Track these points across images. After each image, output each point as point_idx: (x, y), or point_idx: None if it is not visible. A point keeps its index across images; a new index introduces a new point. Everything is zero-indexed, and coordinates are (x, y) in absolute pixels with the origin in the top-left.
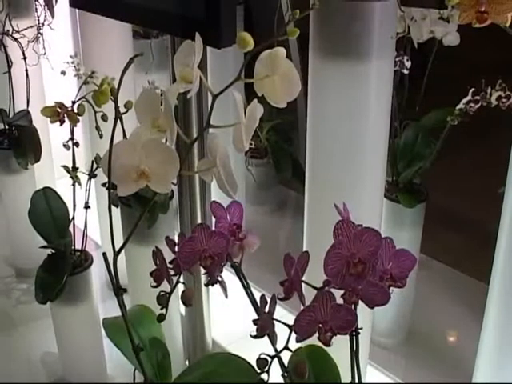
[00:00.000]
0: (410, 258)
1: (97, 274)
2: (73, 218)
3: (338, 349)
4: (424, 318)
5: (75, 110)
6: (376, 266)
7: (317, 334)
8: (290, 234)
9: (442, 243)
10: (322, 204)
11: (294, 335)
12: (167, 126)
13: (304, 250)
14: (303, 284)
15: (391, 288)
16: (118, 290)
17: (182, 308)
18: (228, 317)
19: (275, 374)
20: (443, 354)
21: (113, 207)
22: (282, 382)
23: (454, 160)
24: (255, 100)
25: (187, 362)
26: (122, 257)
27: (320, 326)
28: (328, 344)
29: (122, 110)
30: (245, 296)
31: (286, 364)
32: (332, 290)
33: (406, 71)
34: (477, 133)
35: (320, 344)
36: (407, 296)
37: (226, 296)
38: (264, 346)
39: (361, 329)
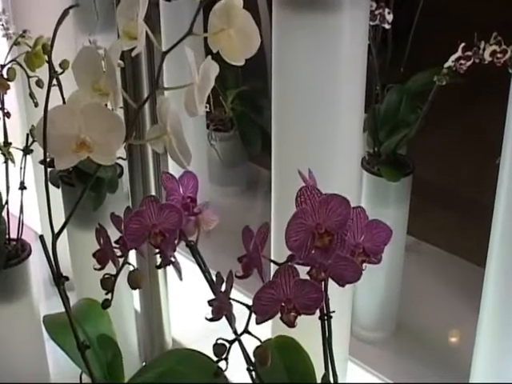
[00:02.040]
0: (385, 229)
1: (38, 267)
2: (6, 201)
3: (313, 340)
4: (414, 307)
5: (4, 75)
6: (345, 239)
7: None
8: (261, 217)
9: (431, 222)
10: (290, 177)
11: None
12: (110, 88)
13: (272, 228)
14: (265, 261)
15: (364, 264)
16: (59, 279)
17: (137, 302)
18: (190, 312)
19: (238, 366)
20: (436, 349)
21: (53, 188)
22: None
23: (444, 128)
24: (209, 57)
25: (144, 364)
26: (65, 245)
27: (282, 304)
28: (292, 325)
29: (59, 73)
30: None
31: (249, 354)
32: (299, 267)
33: (387, 26)
34: (469, 96)
35: (290, 332)
36: (394, 283)
37: (181, 278)
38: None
39: (333, 312)
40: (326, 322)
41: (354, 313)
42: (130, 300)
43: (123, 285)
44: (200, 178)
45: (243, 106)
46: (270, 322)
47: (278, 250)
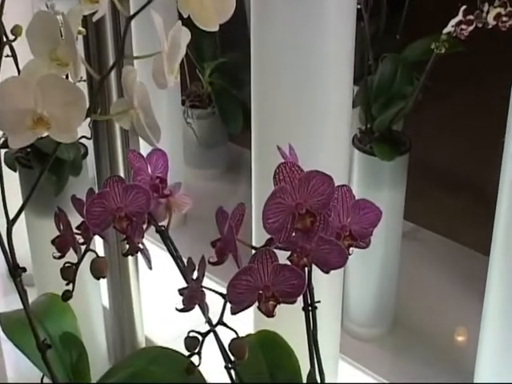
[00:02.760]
0: (374, 210)
1: None
2: None
3: (299, 335)
4: (413, 301)
5: None
6: (329, 220)
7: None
8: (241, 200)
9: (431, 207)
10: (271, 157)
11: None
12: (69, 57)
13: (253, 212)
14: (242, 246)
15: (351, 249)
16: (15, 270)
17: (105, 298)
18: (165, 308)
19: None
20: (437, 347)
21: (9, 171)
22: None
23: (444, 101)
24: (178, 22)
25: (113, 365)
26: (24, 236)
27: (260, 292)
28: (271, 314)
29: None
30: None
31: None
32: (280, 253)
33: None
34: (471, 66)
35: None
36: (390, 274)
37: (150, 267)
38: (209, 345)
39: (318, 302)
40: (310, 313)
41: (347, 307)
42: (97, 294)
43: (89, 277)
44: (175, 160)
45: (222, 79)
46: (251, 315)
47: (259, 235)
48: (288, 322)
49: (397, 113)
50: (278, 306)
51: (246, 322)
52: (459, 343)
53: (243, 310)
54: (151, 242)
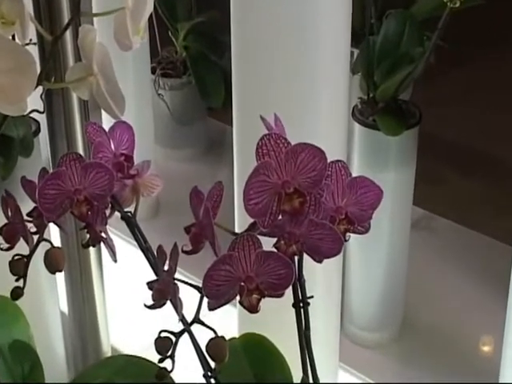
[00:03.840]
0: (374, 189)
1: None
2: None
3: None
4: (424, 301)
5: None
6: (322, 201)
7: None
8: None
9: (445, 191)
10: (255, 132)
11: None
12: (16, 15)
13: (236, 195)
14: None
15: (347, 235)
16: None
17: (64, 301)
18: (135, 312)
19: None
20: (453, 354)
21: None
22: None
23: (460, 66)
24: None
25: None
26: None
27: (242, 284)
28: (255, 309)
29: None
30: None
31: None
32: (265, 240)
33: None
34: (493, 22)
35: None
36: (398, 270)
37: (115, 260)
38: (186, 352)
39: (310, 297)
40: (301, 310)
41: (347, 308)
42: (53, 295)
43: (44, 274)
44: (144, 139)
45: (199, 43)
46: (236, 316)
47: (242, 221)
48: (278, 322)
49: (404, 79)
50: (268, 304)
51: (230, 325)
52: (480, 351)
53: (223, 304)
54: (119, 237)
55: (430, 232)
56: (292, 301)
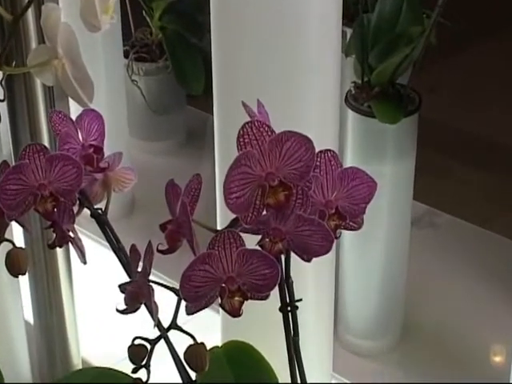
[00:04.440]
0: (366, 181)
1: None
2: None
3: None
4: (427, 305)
5: None
6: (309, 194)
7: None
8: (207, 182)
9: (450, 184)
10: (237, 120)
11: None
12: None
13: (217, 189)
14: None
15: (338, 231)
16: None
17: (28, 309)
18: (108, 321)
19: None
20: (459, 365)
21: None
22: None
23: (464, 46)
24: None
25: None
26: None
27: (223, 285)
28: (237, 313)
29: None
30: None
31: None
32: (248, 237)
33: None
34: None
35: (247, 337)
36: (398, 271)
37: (84, 262)
38: (163, 361)
39: (299, 301)
40: (289, 314)
41: (341, 313)
42: (16, 304)
43: (6, 278)
44: (116, 130)
45: (177, 23)
46: (219, 323)
47: (224, 218)
48: (264, 329)
49: (402, 61)
50: (253, 308)
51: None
52: (490, 361)
53: (202, 308)
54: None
55: (433, 229)
56: (279, 304)
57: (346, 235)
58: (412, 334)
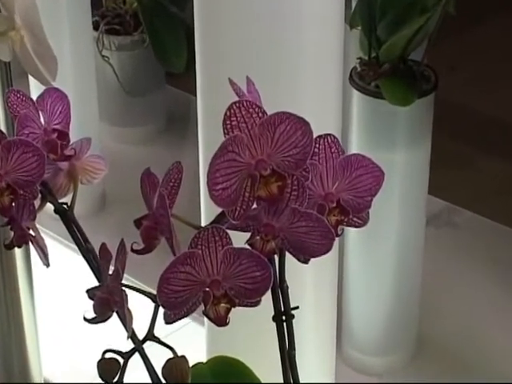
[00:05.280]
0: (372, 170)
1: None
2: None
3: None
4: (445, 316)
5: None
6: (306, 185)
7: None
8: (189, 173)
9: (470, 177)
10: (223, 100)
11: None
12: None
13: (201, 179)
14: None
15: (340, 228)
16: None
17: None
18: (74, 336)
19: None
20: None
21: None
22: None
23: (487, 18)
24: None
25: None
26: None
27: (207, 290)
28: (223, 322)
29: None
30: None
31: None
32: (237, 234)
33: None
34: None
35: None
36: (411, 276)
37: (47, 264)
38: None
39: (295, 309)
40: (283, 324)
41: (347, 325)
42: None
43: None
44: (85, 113)
45: None
46: (204, 334)
47: (209, 212)
48: (255, 341)
49: (415, 34)
50: (242, 317)
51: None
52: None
53: (182, 316)
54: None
55: (452, 228)
56: (272, 312)
57: (351, 233)
58: (428, 350)
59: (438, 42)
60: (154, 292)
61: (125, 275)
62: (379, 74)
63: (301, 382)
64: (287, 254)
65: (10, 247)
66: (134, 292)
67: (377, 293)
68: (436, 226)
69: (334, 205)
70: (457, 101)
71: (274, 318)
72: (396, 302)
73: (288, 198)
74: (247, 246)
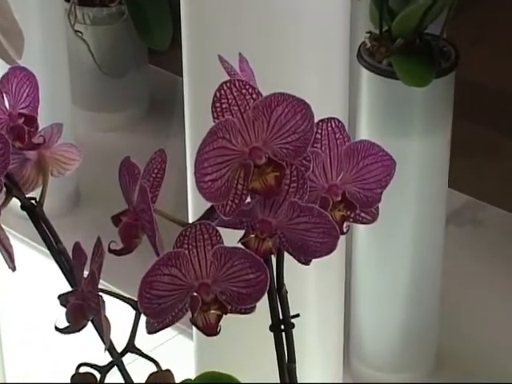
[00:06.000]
0: (382, 158)
1: None
2: None
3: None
4: (468, 325)
5: None
6: (307, 176)
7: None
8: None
9: (498, 168)
10: (213, 81)
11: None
12: None
13: (188, 170)
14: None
15: (346, 224)
16: None
17: None
18: (42, 347)
19: None
20: None
21: None
22: None
23: None
24: None
25: None
26: None
27: (194, 295)
28: (213, 331)
29: None
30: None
31: None
32: (228, 232)
33: None
34: None
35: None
36: (430, 280)
37: (13, 268)
38: None
39: (295, 317)
40: (282, 334)
41: (356, 337)
42: None
43: None
44: (56, 96)
45: None
46: (192, 348)
47: (198, 207)
48: (251, 354)
49: (432, 4)
50: (235, 325)
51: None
52: None
53: (167, 325)
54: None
55: (475, 226)
56: (269, 321)
57: (359, 231)
58: (449, 365)
59: (459, 14)
60: (135, 298)
61: (101, 279)
62: (392, 51)
63: None
64: (286, 254)
65: None
66: (112, 298)
67: (390, 299)
68: (457, 223)
69: (339, 198)
70: (481, 80)
71: (272, 328)
72: (412, 310)
73: (286, 190)
74: (240, 246)
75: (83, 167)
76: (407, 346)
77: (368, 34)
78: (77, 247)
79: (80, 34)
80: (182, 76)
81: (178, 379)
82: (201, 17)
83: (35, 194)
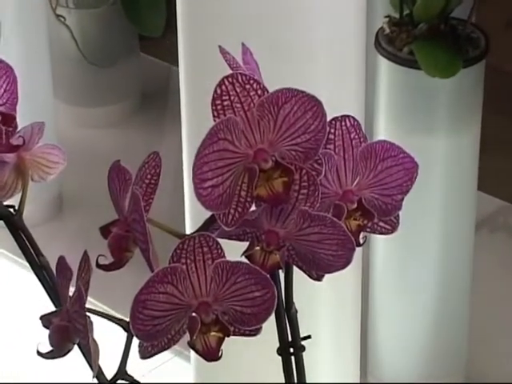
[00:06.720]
0: (404, 161)
1: None
2: None
3: None
4: (500, 343)
5: None
6: (318, 180)
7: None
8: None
9: None
10: (212, 73)
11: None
12: None
13: (185, 173)
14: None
15: (362, 235)
16: None
17: None
18: (24, 375)
19: None
20: None
21: None
22: None
23: None
24: None
25: None
26: None
27: (193, 315)
28: (214, 355)
29: None
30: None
31: None
32: (230, 244)
33: None
34: None
35: None
36: (458, 292)
37: None
38: None
39: (306, 338)
40: (291, 357)
41: (375, 359)
42: None
43: None
44: (37, 89)
45: None
46: (190, 371)
47: (196, 216)
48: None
49: None
50: (239, 349)
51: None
52: None
53: (162, 349)
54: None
55: (509, 233)
56: (276, 344)
57: (378, 243)
58: (478, 379)
59: None
60: (127, 318)
61: (89, 297)
62: (414, 37)
63: None
64: (295, 268)
65: None
66: (101, 318)
67: (413, 314)
68: (489, 230)
69: (355, 206)
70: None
71: (280, 351)
72: (438, 325)
73: (296, 197)
74: (244, 260)
75: (67, 170)
76: (431, 365)
77: (387, 19)
78: (61, 261)
79: (62, 19)
80: (177, 66)
81: None
82: (199, 1)
83: (14, 201)
